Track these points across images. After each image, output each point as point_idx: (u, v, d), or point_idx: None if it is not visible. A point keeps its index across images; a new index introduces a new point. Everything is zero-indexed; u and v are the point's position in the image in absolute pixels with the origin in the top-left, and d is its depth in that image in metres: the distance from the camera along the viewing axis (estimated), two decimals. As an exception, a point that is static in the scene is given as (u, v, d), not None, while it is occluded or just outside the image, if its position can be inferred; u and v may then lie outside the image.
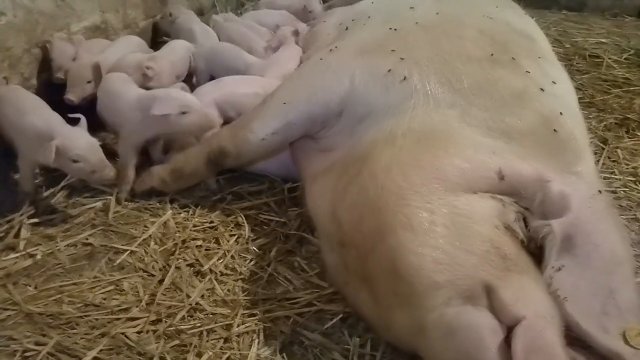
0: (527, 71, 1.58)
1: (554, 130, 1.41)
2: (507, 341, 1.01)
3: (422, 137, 1.38)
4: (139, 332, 1.34)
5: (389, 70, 1.57)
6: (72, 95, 2.04)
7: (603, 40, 3.67)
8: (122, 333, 1.33)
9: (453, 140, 1.37)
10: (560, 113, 1.47)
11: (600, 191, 1.29)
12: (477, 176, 1.28)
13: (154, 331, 1.35)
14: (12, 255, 1.57)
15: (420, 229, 1.16)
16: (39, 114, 1.69)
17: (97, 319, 1.37)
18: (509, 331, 1.02)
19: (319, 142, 1.72)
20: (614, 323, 1.06)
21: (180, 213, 1.79)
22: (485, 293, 1.07)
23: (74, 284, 1.49)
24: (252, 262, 1.61)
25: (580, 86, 2.92)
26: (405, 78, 1.54)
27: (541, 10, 4.32)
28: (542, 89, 1.53)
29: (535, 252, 1.19)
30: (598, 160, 2.17)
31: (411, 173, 1.27)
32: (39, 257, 1.57)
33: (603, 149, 2.27)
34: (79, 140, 1.62)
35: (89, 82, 2.08)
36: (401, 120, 1.46)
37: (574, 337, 1.06)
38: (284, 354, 1.31)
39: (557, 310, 1.06)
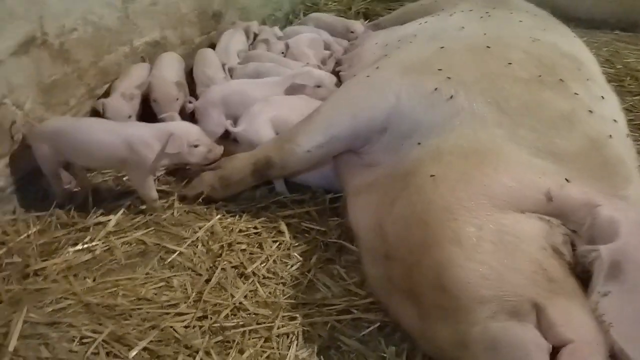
0: (575, 93, 1.57)
1: (603, 153, 1.40)
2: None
3: (470, 154, 1.39)
4: (186, 327, 1.42)
5: (436, 89, 1.59)
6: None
7: (656, 61, 3.56)
8: (171, 327, 1.41)
9: (502, 159, 1.36)
10: (610, 136, 1.45)
11: None
12: (526, 196, 1.27)
13: (200, 327, 1.42)
14: (73, 249, 1.69)
15: (468, 244, 1.17)
16: (136, 125, 1.91)
17: (148, 312, 1.46)
18: (553, 350, 1.02)
19: (363, 157, 1.76)
20: None
21: (227, 218, 1.88)
22: (533, 311, 1.07)
23: (128, 278, 1.59)
24: (293, 268, 1.67)
25: (631, 107, 2.85)
26: (451, 97, 1.55)
27: (592, 30, 4.23)
28: (590, 112, 1.51)
29: (581, 275, 1.18)
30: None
31: (459, 188, 1.28)
32: (97, 252, 1.68)
33: (653, 171, 2.20)
34: (190, 128, 1.86)
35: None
36: (448, 137, 1.47)
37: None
38: (321, 356, 1.35)
39: (602, 336, 1.05)
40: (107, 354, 1.33)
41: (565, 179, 1.31)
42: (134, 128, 1.86)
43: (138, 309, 1.47)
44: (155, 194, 1.87)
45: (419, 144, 1.53)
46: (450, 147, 1.44)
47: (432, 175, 1.35)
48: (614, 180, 1.36)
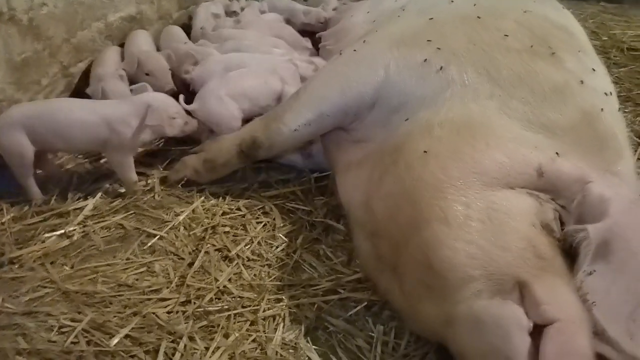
0: (567, 65, 1.54)
1: (595, 127, 1.37)
2: (533, 336, 1.00)
3: (462, 128, 1.36)
4: (169, 312, 1.39)
5: (425, 60, 1.55)
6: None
7: (643, 32, 3.54)
8: (153, 313, 1.37)
9: (493, 133, 1.33)
10: (602, 109, 1.42)
11: None
12: (517, 171, 1.24)
13: (184, 312, 1.39)
14: (50, 235, 1.64)
15: (456, 223, 1.15)
16: (113, 102, 1.85)
17: (129, 299, 1.42)
18: (536, 328, 1.01)
19: (352, 133, 1.72)
20: None
21: (209, 200, 1.83)
22: (517, 288, 1.06)
23: (108, 264, 1.54)
24: (279, 249, 1.64)
25: (617, 79, 2.83)
26: (441, 68, 1.52)
27: (579, 1, 4.20)
28: (582, 84, 1.48)
29: (568, 251, 1.16)
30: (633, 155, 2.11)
31: (449, 165, 1.25)
32: (75, 238, 1.63)
33: (639, 143, 2.20)
34: (167, 100, 1.84)
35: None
36: (438, 110, 1.44)
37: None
38: (308, 338, 1.33)
39: (587, 315, 1.04)
40: (88, 342, 1.29)
41: (556, 152, 1.28)
42: (112, 105, 1.80)
43: (119, 295, 1.43)
44: (135, 176, 1.81)
45: (409, 118, 1.50)
46: (441, 121, 1.40)
47: (422, 151, 1.32)
48: (606, 154, 1.34)
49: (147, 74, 2.16)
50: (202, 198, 1.83)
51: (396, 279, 1.28)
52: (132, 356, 1.26)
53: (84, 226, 1.68)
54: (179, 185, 1.87)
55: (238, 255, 1.59)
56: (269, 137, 1.75)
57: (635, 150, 2.16)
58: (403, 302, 1.27)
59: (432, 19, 1.76)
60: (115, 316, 1.37)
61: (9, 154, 1.69)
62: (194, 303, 1.41)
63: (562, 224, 1.21)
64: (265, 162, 2.00)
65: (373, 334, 1.34)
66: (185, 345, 1.28)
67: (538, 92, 1.43)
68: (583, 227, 1.14)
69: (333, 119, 1.69)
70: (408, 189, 1.28)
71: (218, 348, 1.28)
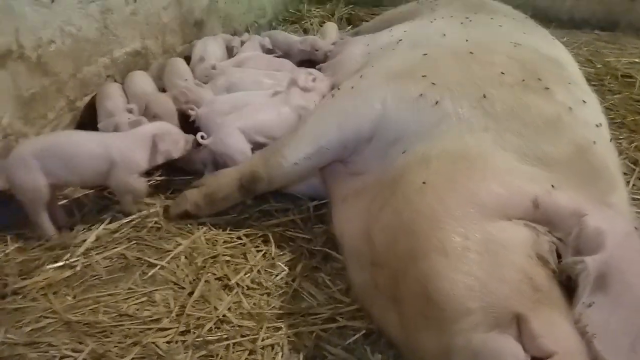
0: (558, 98, 1.57)
1: (588, 159, 1.40)
2: None
3: (458, 160, 1.38)
4: (168, 342, 1.40)
5: (421, 95, 1.59)
6: None
7: (636, 60, 3.61)
8: (153, 342, 1.38)
9: (490, 164, 1.35)
10: (594, 142, 1.45)
11: (636, 228, 1.24)
12: (513, 203, 1.25)
13: (183, 341, 1.40)
14: (53, 266, 1.66)
15: (454, 254, 1.15)
16: (116, 135, 1.92)
17: (130, 329, 1.43)
18: None
19: (349, 165, 1.76)
20: None
21: (210, 230, 1.86)
22: (514, 322, 1.06)
23: (110, 294, 1.56)
24: (278, 277, 1.66)
25: (612, 106, 2.88)
26: (437, 102, 1.55)
27: (572, 30, 4.29)
28: (574, 117, 1.51)
29: (566, 284, 1.16)
30: (628, 182, 2.13)
31: (446, 196, 1.27)
32: (78, 268, 1.66)
33: (634, 170, 2.23)
34: (166, 125, 1.96)
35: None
36: (435, 143, 1.47)
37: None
38: (306, 367, 1.34)
39: (585, 348, 1.04)
40: (89, 372, 1.30)
41: (552, 185, 1.30)
42: (116, 137, 1.86)
43: (120, 325, 1.45)
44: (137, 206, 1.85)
45: (406, 151, 1.53)
46: (438, 153, 1.42)
47: (419, 183, 1.34)
48: (600, 186, 1.36)
49: (154, 116, 2.19)
50: (204, 229, 1.86)
51: (394, 310, 1.28)
52: (132, 386, 1.27)
53: (87, 256, 1.71)
54: (180, 219, 1.90)
55: (238, 284, 1.61)
56: (269, 171, 1.78)
57: (631, 177, 2.19)
58: (401, 333, 1.27)
59: (426, 54, 1.82)
60: (115, 346, 1.38)
61: (24, 190, 1.69)
62: (194, 332, 1.42)
63: (558, 256, 1.21)
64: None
65: (371, 362, 1.34)
66: (184, 375, 1.29)
67: (531, 125, 1.46)
68: (581, 259, 1.14)
69: (332, 153, 1.73)
70: (406, 220, 1.29)
71: (217, 377, 1.29)
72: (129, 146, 1.81)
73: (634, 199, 2.02)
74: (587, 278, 1.10)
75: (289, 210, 1.98)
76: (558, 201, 1.27)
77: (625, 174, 2.17)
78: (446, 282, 1.12)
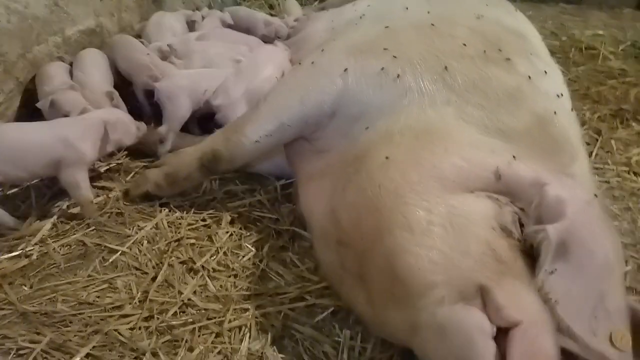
0: (520, 69, 1.57)
1: (549, 130, 1.40)
2: (499, 341, 1.00)
3: (420, 134, 1.37)
4: (131, 329, 1.36)
5: (382, 69, 1.56)
6: None
7: (600, 32, 3.67)
8: (115, 330, 1.34)
9: (452, 138, 1.35)
10: (555, 112, 1.45)
11: (595, 195, 1.27)
12: (475, 175, 1.26)
13: (147, 327, 1.36)
14: (8, 256, 1.59)
15: (418, 229, 1.15)
16: (64, 121, 1.80)
17: (90, 317, 1.38)
18: (501, 332, 1.01)
19: (314, 143, 1.72)
20: (602, 326, 1.04)
21: (173, 212, 1.81)
22: (479, 294, 1.06)
23: (69, 283, 1.50)
24: (245, 258, 1.63)
25: (576, 78, 2.92)
26: (398, 76, 1.53)
27: (538, 4, 4.33)
28: (535, 87, 1.51)
29: (529, 253, 1.17)
30: (591, 151, 2.17)
31: (409, 171, 1.26)
32: (34, 257, 1.59)
33: (597, 140, 2.26)
34: (117, 112, 1.92)
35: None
36: (397, 118, 1.45)
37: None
38: (274, 347, 1.32)
39: (549, 315, 1.05)
40: (47, 364, 1.25)
41: (513, 156, 1.30)
42: (65, 124, 1.75)
43: (79, 314, 1.39)
44: (91, 195, 1.75)
45: (369, 127, 1.51)
46: (400, 128, 1.41)
47: (382, 159, 1.33)
48: (560, 157, 1.36)
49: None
50: (166, 211, 1.80)
51: (362, 288, 1.27)
52: (93, 375, 1.23)
53: (43, 245, 1.64)
54: (141, 200, 1.84)
55: (203, 267, 1.57)
56: (230, 150, 1.73)
57: (594, 146, 2.23)
58: (369, 310, 1.27)
59: (387, 27, 1.78)
60: (75, 335, 1.33)
61: None
62: (157, 318, 1.38)
63: (521, 226, 1.22)
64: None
65: (339, 339, 1.33)
66: (148, 362, 1.26)
67: (492, 97, 1.45)
68: (542, 228, 1.15)
69: (294, 129, 1.69)
70: (370, 197, 1.28)
71: (182, 362, 1.26)
72: (77, 134, 1.68)
73: (596, 168, 2.06)
74: (549, 246, 1.11)
75: (255, 190, 1.94)
76: (519, 172, 1.27)
77: (588, 144, 2.22)
78: (411, 256, 1.12)
